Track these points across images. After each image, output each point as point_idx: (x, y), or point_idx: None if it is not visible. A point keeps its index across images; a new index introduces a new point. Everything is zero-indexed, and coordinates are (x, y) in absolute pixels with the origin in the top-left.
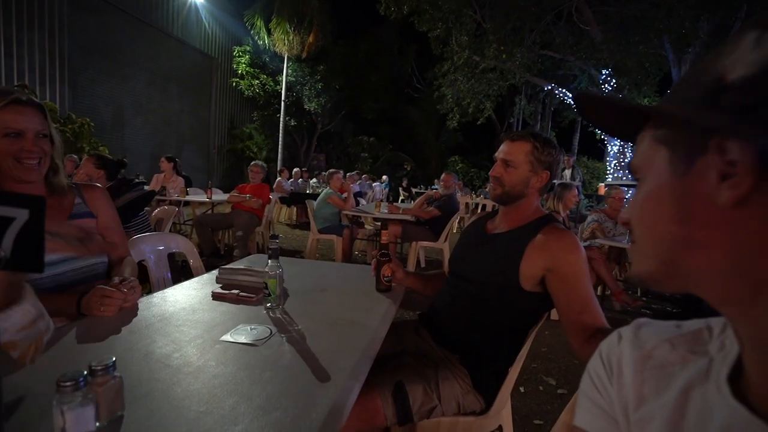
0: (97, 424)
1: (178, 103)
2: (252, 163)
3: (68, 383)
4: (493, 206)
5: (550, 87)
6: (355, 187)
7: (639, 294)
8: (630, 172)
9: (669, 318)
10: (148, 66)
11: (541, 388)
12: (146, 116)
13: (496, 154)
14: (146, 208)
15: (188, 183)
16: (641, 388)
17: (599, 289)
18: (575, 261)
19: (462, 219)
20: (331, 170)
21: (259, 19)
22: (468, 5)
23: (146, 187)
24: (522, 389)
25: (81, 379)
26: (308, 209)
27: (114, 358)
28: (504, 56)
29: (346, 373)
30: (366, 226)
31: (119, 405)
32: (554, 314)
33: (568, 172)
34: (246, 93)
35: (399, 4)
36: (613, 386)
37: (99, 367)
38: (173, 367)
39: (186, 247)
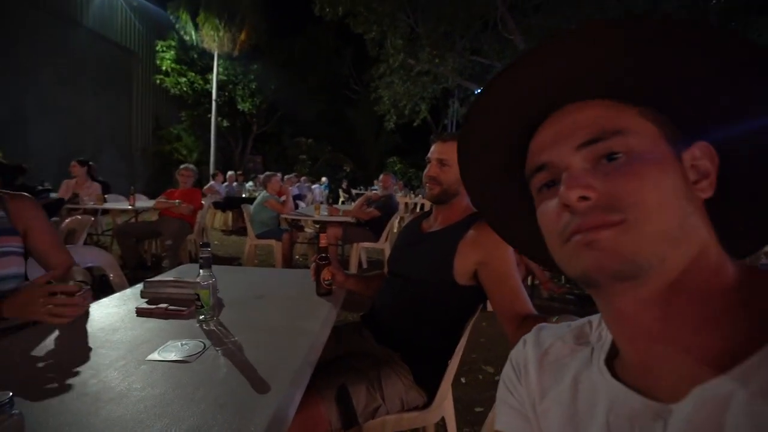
0: None
1: (94, 101)
2: (181, 166)
3: None
4: (431, 206)
5: (479, 90)
6: (294, 190)
7: (563, 281)
8: (588, 143)
9: (590, 301)
10: (54, 60)
11: (480, 377)
12: (54, 115)
13: (429, 155)
14: (54, 219)
15: (106, 189)
16: (542, 382)
17: (529, 279)
18: (504, 255)
19: (402, 219)
20: (267, 173)
21: (184, 13)
22: (401, 9)
23: (53, 195)
24: (463, 380)
25: None
26: (244, 214)
27: (10, 393)
28: (437, 60)
29: (286, 382)
30: (306, 230)
31: None
32: (490, 306)
33: None
34: (172, 91)
35: (333, 5)
36: (522, 385)
37: None
38: (90, 395)
39: (104, 260)
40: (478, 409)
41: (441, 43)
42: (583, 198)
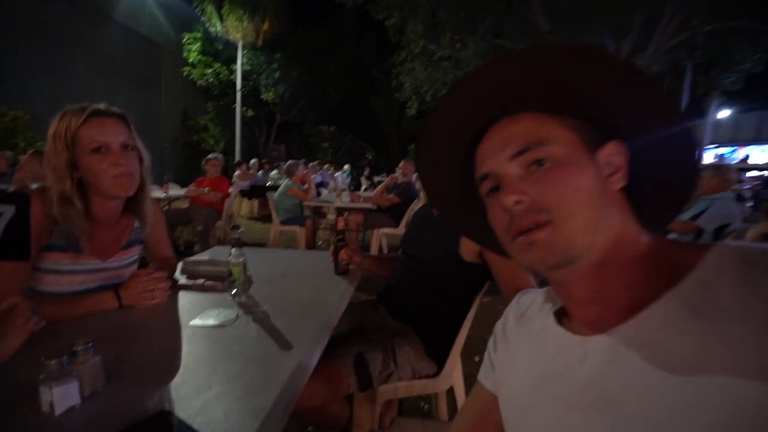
0: (81, 397)
1: (125, 94)
2: (209, 156)
3: (53, 361)
4: None
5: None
6: (317, 178)
7: None
8: (518, 154)
9: None
10: (89, 55)
11: None
12: None
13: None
14: None
15: None
16: (520, 336)
17: None
18: None
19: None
20: (291, 162)
21: (209, 5)
22: None
23: None
24: (477, 358)
25: (65, 357)
26: (269, 201)
27: (91, 341)
28: (459, 45)
29: (307, 341)
30: (329, 216)
31: (100, 381)
32: None
33: None
34: (199, 82)
35: None
36: (495, 351)
37: (79, 347)
38: (148, 347)
39: None
40: None
41: (463, 27)
42: (518, 202)
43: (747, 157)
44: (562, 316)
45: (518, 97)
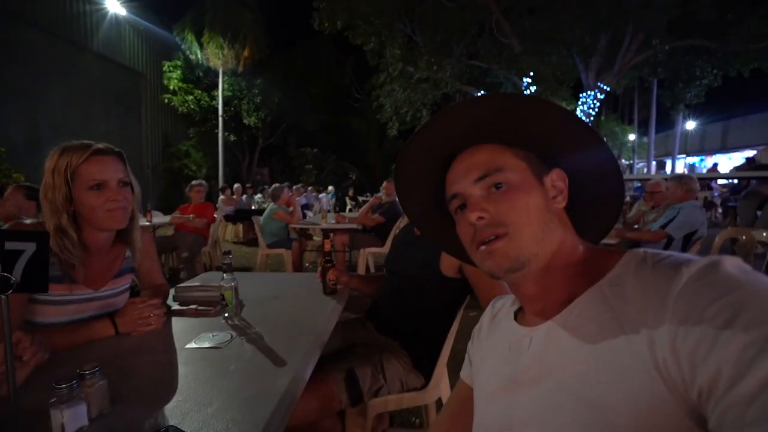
0: (89, 419)
1: (104, 123)
2: (192, 182)
3: (63, 385)
4: None
5: (479, 95)
6: (302, 200)
7: None
8: (480, 179)
9: None
10: (66, 83)
11: None
12: (66, 137)
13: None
14: None
15: None
16: (491, 336)
17: None
18: None
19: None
20: (275, 186)
21: (189, 33)
22: (398, 20)
23: None
24: None
25: (74, 381)
26: (255, 226)
27: (98, 366)
28: (435, 67)
29: (299, 358)
30: (314, 238)
31: (106, 404)
32: None
33: None
34: (180, 109)
35: (332, 19)
36: (473, 348)
37: (87, 372)
38: (148, 370)
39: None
40: None
41: (439, 50)
42: (480, 218)
43: (716, 165)
44: (518, 313)
45: (480, 132)
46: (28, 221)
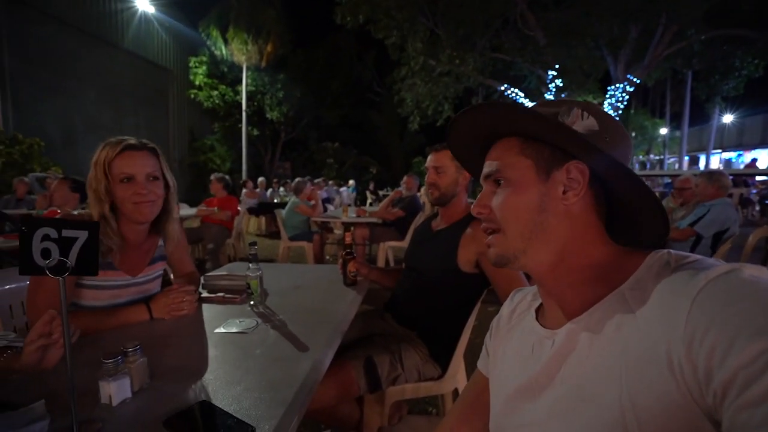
0: (132, 392)
1: (133, 118)
2: (213, 176)
3: (110, 360)
4: (436, 208)
5: (502, 88)
6: (323, 194)
7: None
8: (487, 176)
9: None
10: (98, 80)
11: None
12: (99, 133)
13: (427, 165)
14: None
15: None
16: (512, 331)
17: None
18: None
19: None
20: (298, 180)
21: (214, 30)
22: (420, 13)
23: None
24: None
25: (120, 357)
26: (277, 219)
27: (138, 344)
28: (457, 61)
29: (321, 344)
30: (335, 231)
31: (146, 378)
32: None
33: None
34: (205, 104)
35: (354, 13)
36: (490, 341)
37: (130, 349)
38: (181, 351)
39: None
40: None
41: (461, 44)
42: (480, 213)
43: (754, 160)
44: (539, 310)
45: (500, 129)
46: (75, 212)
